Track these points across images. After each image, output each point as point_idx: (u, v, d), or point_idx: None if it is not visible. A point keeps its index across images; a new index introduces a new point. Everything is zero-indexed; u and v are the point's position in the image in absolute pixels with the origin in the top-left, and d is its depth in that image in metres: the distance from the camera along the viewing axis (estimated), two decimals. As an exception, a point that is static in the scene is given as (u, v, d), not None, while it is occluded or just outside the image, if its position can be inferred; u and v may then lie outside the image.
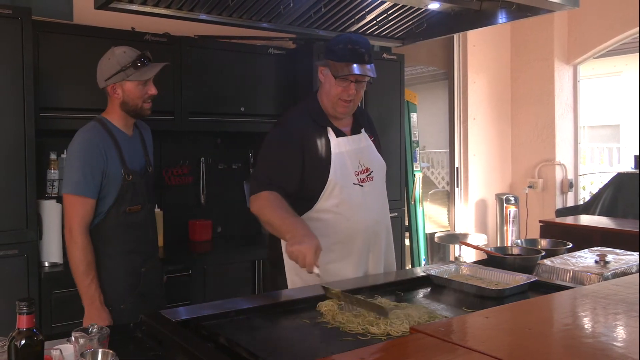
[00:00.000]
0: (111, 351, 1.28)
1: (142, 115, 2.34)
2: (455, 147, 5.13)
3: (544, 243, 2.56)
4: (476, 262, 2.36)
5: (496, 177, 5.28)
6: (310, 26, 2.82)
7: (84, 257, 2.16)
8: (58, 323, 2.71)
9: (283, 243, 2.02)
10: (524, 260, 2.22)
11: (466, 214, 5.14)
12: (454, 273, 2.11)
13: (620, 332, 1.16)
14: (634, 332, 1.12)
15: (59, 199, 2.77)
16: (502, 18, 2.59)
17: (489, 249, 2.42)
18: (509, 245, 3.65)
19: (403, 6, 2.65)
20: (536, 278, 1.98)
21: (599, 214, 4.18)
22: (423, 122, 5.28)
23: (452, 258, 5.13)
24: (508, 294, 1.86)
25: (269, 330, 1.65)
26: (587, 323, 1.27)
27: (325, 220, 2.12)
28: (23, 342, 1.20)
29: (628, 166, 6.59)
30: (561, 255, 2.24)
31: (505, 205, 4.96)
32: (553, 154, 5.06)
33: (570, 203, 5.10)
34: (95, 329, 1.37)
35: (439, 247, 5.31)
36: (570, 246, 2.43)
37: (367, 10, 2.70)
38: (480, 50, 5.08)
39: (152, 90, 2.30)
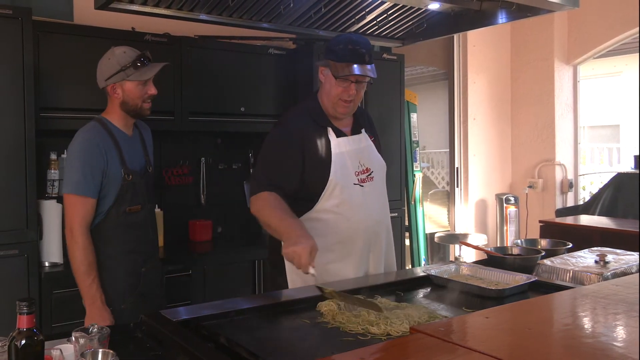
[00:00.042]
0: (111, 351, 1.28)
1: (142, 115, 2.34)
2: (455, 147, 5.13)
3: (544, 243, 2.56)
4: (476, 262, 2.36)
5: (496, 177, 5.28)
6: (311, 26, 2.82)
7: (85, 257, 2.16)
8: (58, 323, 2.71)
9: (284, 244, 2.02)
10: (524, 260, 2.22)
11: (466, 214, 5.14)
12: (454, 273, 2.11)
13: (620, 332, 1.16)
14: (634, 332, 1.12)
15: (59, 199, 2.77)
16: (502, 18, 2.60)
17: (489, 249, 2.42)
18: (509, 245, 3.65)
19: (403, 6, 2.65)
20: (536, 278, 1.98)
21: (599, 214, 4.18)
22: (423, 122, 5.28)
23: (452, 258, 5.13)
24: (508, 294, 1.86)
25: (269, 330, 1.65)
26: (587, 323, 1.27)
27: (326, 220, 2.12)
28: (23, 342, 1.20)
29: (628, 166, 6.58)
30: (561, 255, 2.24)
31: (505, 205, 4.97)
32: (553, 154, 5.06)
33: (570, 203, 5.10)
34: (95, 329, 1.37)
35: (439, 247, 5.31)
36: (570, 246, 2.43)
37: (367, 10, 2.70)
38: (480, 50, 5.09)
39: (152, 90, 2.30)
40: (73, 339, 1.35)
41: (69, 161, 2.27)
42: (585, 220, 3.30)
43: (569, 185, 5.09)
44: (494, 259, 2.28)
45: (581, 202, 5.10)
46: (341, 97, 2.13)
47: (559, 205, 5.02)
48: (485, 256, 2.39)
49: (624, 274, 1.99)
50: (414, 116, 4.66)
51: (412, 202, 4.64)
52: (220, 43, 3.43)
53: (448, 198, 5.36)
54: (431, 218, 5.49)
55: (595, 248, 2.34)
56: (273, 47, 3.60)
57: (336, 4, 2.61)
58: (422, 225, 4.76)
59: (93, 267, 2.17)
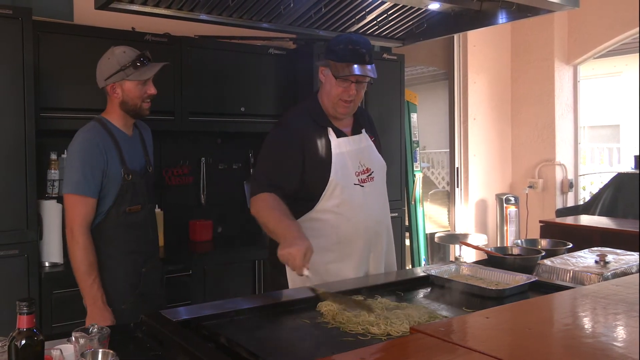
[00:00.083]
0: (111, 351, 1.28)
1: (142, 115, 2.34)
2: (456, 147, 5.13)
3: (544, 243, 2.56)
4: (476, 262, 2.36)
5: (496, 177, 5.28)
6: (311, 26, 2.82)
7: (85, 257, 2.16)
8: (58, 323, 2.71)
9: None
10: (524, 260, 2.22)
11: (466, 214, 5.14)
12: (454, 273, 2.11)
13: (620, 332, 1.16)
14: (634, 332, 1.12)
15: (60, 199, 2.77)
16: (502, 18, 2.60)
17: (489, 249, 2.42)
18: (509, 245, 3.65)
19: (403, 6, 2.65)
20: (536, 278, 1.98)
21: (599, 214, 4.18)
22: (423, 122, 5.28)
23: (452, 258, 5.13)
24: (508, 294, 1.86)
25: (269, 330, 1.65)
26: (587, 323, 1.27)
27: (326, 220, 2.12)
28: (23, 342, 1.20)
29: (628, 166, 6.58)
30: (561, 256, 2.24)
31: (505, 205, 4.96)
32: (553, 154, 5.06)
33: (570, 203, 5.10)
34: (95, 329, 1.37)
35: (439, 247, 5.31)
36: (570, 246, 2.43)
37: (367, 10, 2.70)
38: (481, 50, 5.09)
39: (152, 90, 2.30)
40: (73, 339, 1.35)
41: (69, 161, 2.27)
42: (586, 220, 3.30)
43: (569, 186, 5.09)
44: (494, 259, 2.28)
45: (581, 202, 5.10)
46: (341, 97, 2.13)
47: (559, 206, 5.02)
48: (485, 256, 2.39)
49: (624, 274, 1.99)
50: (414, 116, 4.66)
51: (413, 202, 4.64)
52: (220, 43, 3.43)
53: (448, 198, 5.36)
54: (431, 218, 5.49)
55: (595, 248, 2.34)
56: (273, 47, 3.60)
57: (336, 4, 2.61)
58: (422, 225, 4.76)
59: (94, 267, 2.17)
